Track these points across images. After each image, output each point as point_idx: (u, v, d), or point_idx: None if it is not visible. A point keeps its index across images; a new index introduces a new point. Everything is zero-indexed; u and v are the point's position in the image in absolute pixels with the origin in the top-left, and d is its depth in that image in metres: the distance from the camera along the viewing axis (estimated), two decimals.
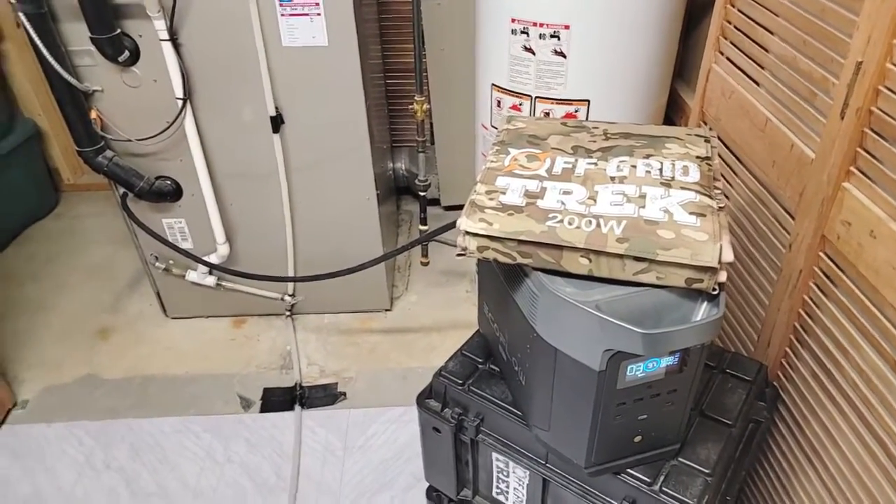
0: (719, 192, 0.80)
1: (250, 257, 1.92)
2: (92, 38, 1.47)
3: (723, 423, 0.99)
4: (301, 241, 1.88)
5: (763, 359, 1.12)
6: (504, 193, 0.82)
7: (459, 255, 0.81)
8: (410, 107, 1.69)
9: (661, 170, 0.83)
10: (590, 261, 0.75)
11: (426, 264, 1.99)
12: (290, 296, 1.98)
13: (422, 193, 1.82)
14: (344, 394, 1.76)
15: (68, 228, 2.54)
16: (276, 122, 1.65)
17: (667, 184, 0.81)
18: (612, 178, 0.83)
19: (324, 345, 1.95)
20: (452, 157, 2.34)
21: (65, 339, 1.99)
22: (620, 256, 0.73)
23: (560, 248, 0.75)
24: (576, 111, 1.52)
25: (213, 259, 1.88)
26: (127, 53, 1.52)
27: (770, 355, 1.11)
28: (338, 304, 2.04)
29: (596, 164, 0.86)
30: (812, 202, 0.94)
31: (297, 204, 1.81)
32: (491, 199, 0.81)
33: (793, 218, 1.02)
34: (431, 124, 2.28)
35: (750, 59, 1.13)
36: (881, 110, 0.79)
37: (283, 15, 1.51)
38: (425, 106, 1.67)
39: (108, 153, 1.65)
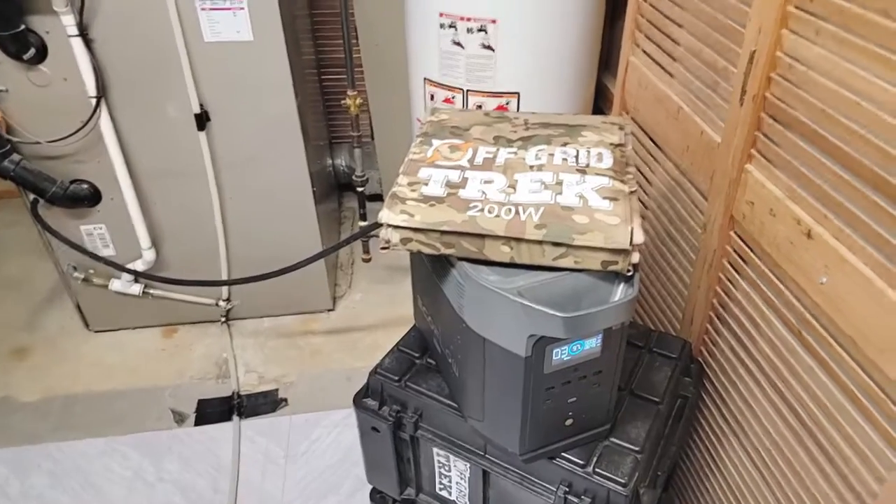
0: (631, 176, 0.83)
1: (180, 262, 1.84)
2: None
3: (651, 401, 1.02)
4: (234, 243, 1.82)
5: (687, 336, 1.17)
6: (426, 185, 0.82)
7: (383, 248, 0.81)
8: (342, 102, 1.67)
9: (576, 157, 0.85)
10: (511, 248, 0.76)
11: (368, 261, 1.97)
12: (224, 301, 1.92)
13: (360, 189, 1.81)
14: (285, 400, 1.72)
15: None
16: (202, 120, 1.59)
17: (582, 170, 0.83)
18: (531, 167, 0.84)
19: (262, 350, 1.90)
20: (393, 151, 2.32)
21: None
22: (539, 242, 0.75)
23: (482, 236, 0.76)
24: (507, 103, 1.54)
25: (138, 266, 1.80)
26: (33, 51, 1.43)
27: (693, 332, 1.16)
28: (277, 306, 1.99)
29: (516, 153, 0.87)
30: (721, 185, 0.99)
31: (228, 204, 1.76)
32: (413, 190, 0.81)
33: (706, 200, 1.06)
34: (370, 119, 2.26)
35: (663, 50, 1.17)
36: (774, 96, 0.83)
37: (203, 9, 1.46)
38: (358, 101, 1.66)
39: (15, 157, 1.56)
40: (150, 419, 1.68)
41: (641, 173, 1.30)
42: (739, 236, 0.98)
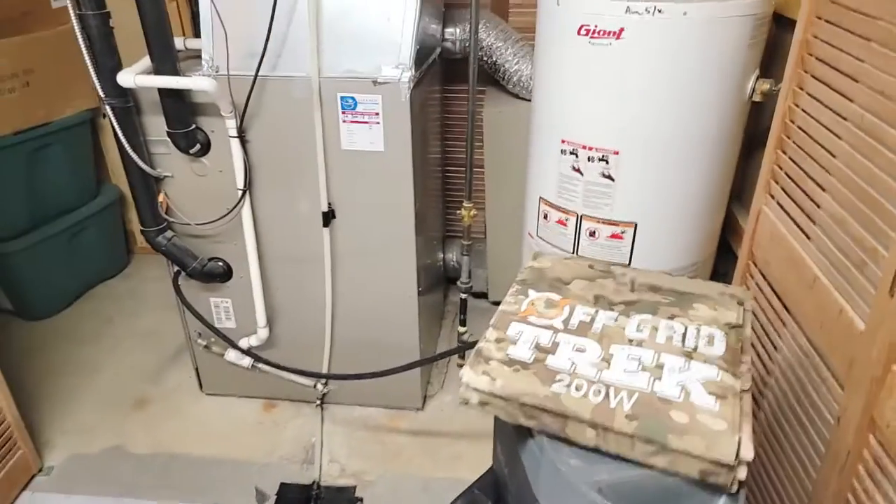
0: (746, 369, 0.74)
1: (288, 341, 1.94)
2: (168, 132, 1.59)
3: None
4: (339, 329, 1.89)
5: None
6: (514, 344, 0.79)
7: (462, 403, 0.78)
8: (458, 211, 1.71)
9: (684, 336, 0.78)
10: (597, 434, 0.70)
11: (462, 366, 1.95)
12: (322, 384, 1.98)
13: (463, 296, 1.81)
14: (361, 500, 1.70)
15: (133, 290, 2.69)
16: (328, 217, 1.70)
17: (688, 354, 0.75)
18: (631, 340, 0.78)
19: (349, 440, 1.91)
20: (504, 252, 2.33)
21: (103, 405, 2.06)
22: (629, 436, 0.68)
23: (565, 416, 0.71)
24: (622, 232, 1.49)
25: (252, 341, 1.91)
26: (199, 146, 1.63)
27: None
28: (370, 396, 2.01)
29: (616, 319, 0.82)
30: (861, 378, 0.86)
31: (338, 294, 1.84)
32: (499, 349, 0.78)
33: (842, 388, 0.92)
34: (485, 218, 2.31)
35: (801, 209, 1.07)
36: None
37: (344, 122, 1.59)
38: (472, 212, 1.69)
39: (168, 234, 1.75)
40: (235, 492, 1.73)
41: (766, 334, 1.17)
42: (881, 444, 0.83)
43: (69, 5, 1.42)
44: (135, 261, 2.90)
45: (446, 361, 2.21)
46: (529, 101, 1.75)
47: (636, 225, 1.47)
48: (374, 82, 1.53)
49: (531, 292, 0.89)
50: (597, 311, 0.84)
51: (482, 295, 2.50)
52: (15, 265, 2.33)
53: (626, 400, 0.70)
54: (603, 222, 1.49)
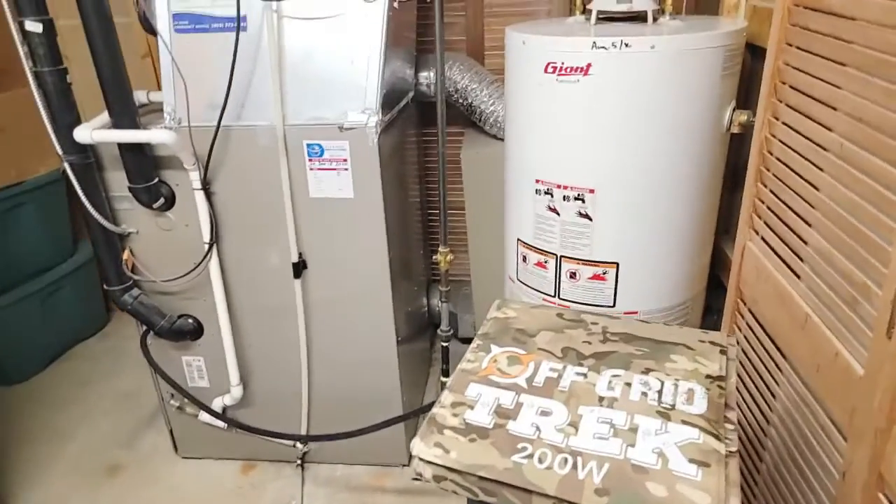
0: (732, 429, 0.65)
1: (264, 398, 1.85)
2: (130, 188, 1.54)
3: None
4: (317, 383, 1.80)
5: None
6: (472, 408, 0.70)
7: (415, 479, 0.69)
8: (434, 257, 1.65)
9: (660, 392, 0.70)
10: None
11: None
12: (301, 443, 1.87)
13: (444, 344, 1.73)
14: None
15: (111, 350, 2.60)
16: (298, 268, 1.64)
17: (665, 413, 0.67)
18: (601, 399, 0.70)
19: (331, 502, 1.79)
20: (490, 295, 2.24)
21: (75, 473, 1.95)
22: None
23: (528, 491, 0.62)
24: (603, 273, 1.42)
25: (226, 400, 1.82)
26: (162, 200, 1.58)
27: None
28: (352, 454, 1.90)
29: (586, 375, 0.74)
30: (864, 429, 0.77)
31: (314, 346, 1.75)
32: (455, 414, 0.70)
33: (845, 439, 0.83)
34: (469, 262, 2.24)
35: (785, 243, 1.00)
36: None
37: (311, 169, 1.54)
38: (448, 257, 1.62)
39: (134, 292, 1.68)
40: None
41: (762, 379, 1.08)
42: (891, 502, 0.74)
43: (24, 62, 1.39)
44: (115, 318, 2.81)
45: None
46: None
47: (618, 264, 1.40)
48: (341, 128, 1.49)
49: (493, 347, 0.81)
50: (564, 367, 0.76)
51: (469, 340, 2.41)
52: None
53: (595, 470, 0.61)
54: (583, 263, 1.43)
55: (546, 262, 1.48)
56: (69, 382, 2.40)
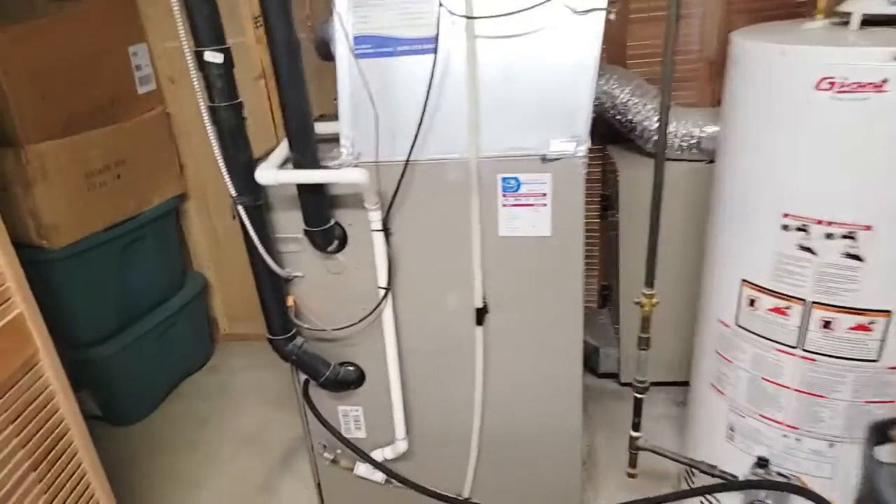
0: None
1: (427, 452, 1.68)
2: (306, 231, 1.39)
3: None
4: (487, 432, 1.62)
5: None
6: None
7: None
8: (636, 300, 1.45)
9: None
10: None
11: (634, 476, 1.65)
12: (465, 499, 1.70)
13: (638, 396, 1.54)
14: None
15: (223, 384, 2.47)
16: (482, 314, 1.47)
17: None
18: None
19: None
20: (635, 326, 2.07)
21: None
22: None
23: None
24: (870, 323, 1.22)
25: (387, 453, 1.66)
26: (336, 243, 1.42)
27: None
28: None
29: None
30: None
31: (488, 401, 1.58)
32: None
33: None
34: (618, 294, 2.05)
35: None
36: None
37: (504, 206, 1.37)
38: (654, 300, 1.43)
39: (298, 340, 1.53)
40: None
41: None
42: None
43: (199, 98, 1.23)
44: (218, 349, 2.69)
45: (594, 461, 1.92)
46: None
47: (891, 313, 1.19)
48: (544, 158, 1.31)
49: None
50: None
51: (609, 375, 2.23)
52: (106, 369, 2.13)
53: None
54: (844, 311, 1.22)
55: (789, 308, 1.29)
56: (185, 422, 2.27)
